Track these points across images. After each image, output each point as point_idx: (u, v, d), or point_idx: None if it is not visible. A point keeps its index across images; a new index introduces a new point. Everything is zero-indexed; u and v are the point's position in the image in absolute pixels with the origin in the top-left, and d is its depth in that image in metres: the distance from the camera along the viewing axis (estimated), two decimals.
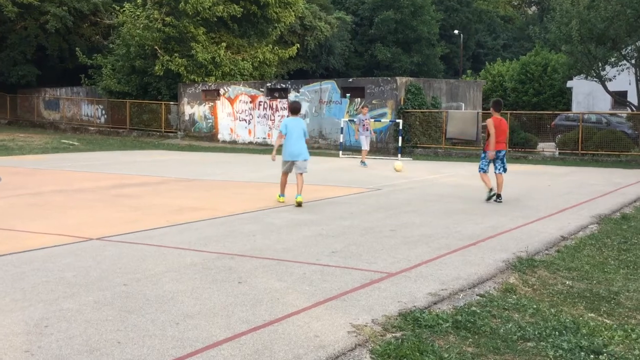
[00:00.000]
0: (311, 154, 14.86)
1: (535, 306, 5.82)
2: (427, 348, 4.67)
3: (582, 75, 28.07)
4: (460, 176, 17.91)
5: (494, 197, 12.15)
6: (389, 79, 28.85)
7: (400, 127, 25.99)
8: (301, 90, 30.51)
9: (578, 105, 39.85)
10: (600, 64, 26.49)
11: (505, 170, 12.47)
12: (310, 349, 4.56)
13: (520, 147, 25.66)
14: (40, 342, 4.62)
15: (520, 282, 6.65)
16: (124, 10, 35.94)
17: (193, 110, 34.53)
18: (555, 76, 42.51)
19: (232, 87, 32.98)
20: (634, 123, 27.58)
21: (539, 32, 32.65)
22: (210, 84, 34.14)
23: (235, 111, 32.80)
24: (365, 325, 5.07)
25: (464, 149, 27.12)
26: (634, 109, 27.12)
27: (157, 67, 34.52)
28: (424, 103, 28.01)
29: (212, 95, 33.82)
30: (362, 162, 21.03)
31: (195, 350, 4.50)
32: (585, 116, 29.37)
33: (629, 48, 26.38)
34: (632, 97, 28.95)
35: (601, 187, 15.15)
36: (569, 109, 40.76)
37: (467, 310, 5.57)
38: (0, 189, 13.61)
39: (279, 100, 31.25)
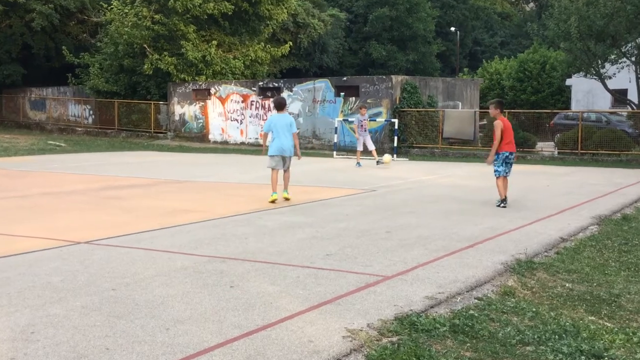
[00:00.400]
0: (305, 154, 14.96)
1: (534, 309, 5.83)
2: (424, 353, 4.67)
3: (581, 73, 28.16)
4: (458, 177, 17.94)
5: (502, 204, 11.78)
6: (384, 77, 28.88)
7: (396, 127, 26.00)
8: (294, 89, 30.51)
9: (577, 104, 39.96)
10: (599, 62, 26.56)
11: (509, 174, 12.12)
12: (304, 355, 4.56)
13: (519, 146, 25.64)
14: (26, 349, 4.61)
15: (519, 285, 6.66)
16: (112, 8, 35.87)
17: (183, 110, 34.48)
18: (554, 74, 42.63)
19: (224, 87, 32.95)
20: (634, 122, 27.66)
21: (537, 29, 32.73)
22: (200, 83, 34.10)
23: (226, 111, 32.77)
24: (361, 330, 5.07)
25: (461, 149, 27.16)
26: (635, 107, 27.21)
27: (146, 66, 34.46)
28: (420, 102, 28.04)
29: (203, 94, 33.78)
30: (358, 163, 21.04)
31: (186, 357, 4.49)
32: (585, 115, 29.46)
33: (629, 45, 26.46)
34: (632, 95, 29.05)
35: (601, 187, 15.19)
36: (568, 107, 40.87)
37: (464, 314, 5.57)
38: None
39: (271, 99, 31.21)
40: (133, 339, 4.80)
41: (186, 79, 34.61)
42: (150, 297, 5.86)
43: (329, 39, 56.40)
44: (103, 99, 37.70)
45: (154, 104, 35.65)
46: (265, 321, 5.21)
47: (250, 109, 31.89)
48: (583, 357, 4.74)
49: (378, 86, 28.06)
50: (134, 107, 36.59)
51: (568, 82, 40.51)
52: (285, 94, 30.58)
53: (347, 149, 27.39)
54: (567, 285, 6.77)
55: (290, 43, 41.52)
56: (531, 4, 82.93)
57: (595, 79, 27.46)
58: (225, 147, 31.16)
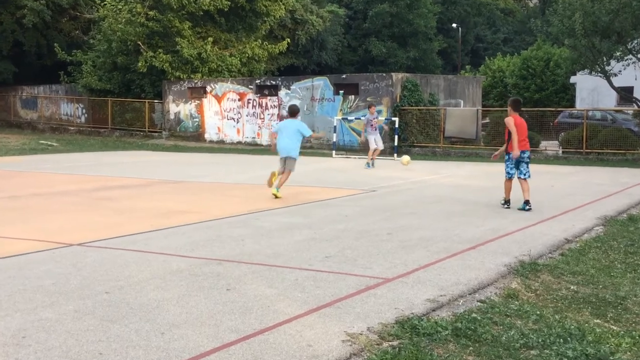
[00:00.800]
0: (303, 153, 14.97)
1: (538, 312, 5.83)
2: (425, 357, 4.67)
3: (586, 70, 28.17)
4: (460, 177, 17.94)
5: (505, 205, 11.66)
6: (384, 75, 28.89)
7: (397, 126, 26.01)
8: (292, 87, 30.52)
9: (582, 102, 40.01)
10: (605, 59, 26.59)
11: (529, 175, 11.86)
12: (302, 359, 4.56)
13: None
14: (17, 354, 4.60)
15: (523, 287, 6.66)
16: (105, 4, 35.85)
17: (178, 108, 34.47)
18: (558, 71, 42.67)
19: (220, 84, 32.94)
20: None
21: (540, 25, 32.78)
22: (196, 81, 34.10)
23: (222, 109, 32.76)
24: (361, 334, 5.06)
25: (463, 148, 27.17)
26: None
27: (140, 64, 34.44)
28: (421, 100, 28.05)
29: (199, 92, 33.78)
30: (367, 164, 20.75)
31: None
32: (590, 113, 29.48)
33: (635, 42, 26.50)
34: (638, 93, 29.09)
35: (607, 187, 15.20)
36: (572, 105, 40.93)
37: (467, 317, 5.57)
38: None
39: (268, 97, 31.24)
40: (127, 344, 4.79)
41: (181, 77, 34.60)
42: (145, 301, 5.85)
43: (328, 36, 56.41)
44: (96, 97, 37.68)
45: (148, 102, 35.64)
46: (263, 325, 5.21)
47: (247, 107, 31.88)
48: None
49: (378, 84, 28.07)
50: (128, 106, 36.57)
51: (572, 79, 40.54)
52: (282, 92, 30.60)
53: (347, 149, 27.39)
54: (572, 287, 6.77)
55: (288, 40, 41.53)
56: (535, 0, 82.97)
57: (600, 76, 27.49)
58: (221, 147, 31.15)
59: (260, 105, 31.46)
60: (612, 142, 24.62)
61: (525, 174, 11.74)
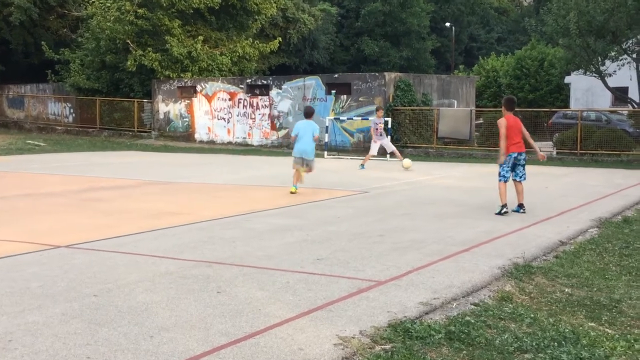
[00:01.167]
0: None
1: (532, 315, 5.84)
2: None
3: (580, 70, 28.29)
4: (453, 178, 17.97)
5: (503, 210, 11.34)
6: (377, 74, 28.92)
7: (389, 126, 25.99)
8: (283, 86, 30.51)
9: (576, 102, 40.15)
10: (599, 59, 26.69)
11: (525, 177, 11.68)
12: None
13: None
14: (4, 357, 4.58)
15: (517, 290, 6.68)
16: (94, 2, 35.79)
17: (168, 108, 34.41)
18: (552, 71, 42.81)
19: (210, 84, 32.91)
20: (635, 121, 27.81)
21: (535, 24, 32.87)
22: (186, 80, 34.05)
23: (213, 109, 32.73)
24: (353, 337, 5.06)
25: (456, 148, 27.22)
26: (635, 106, 27.36)
27: (129, 62, 34.37)
28: (414, 100, 28.09)
29: (189, 92, 33.73)
30: (362, 165, 20.68)
31: None
32: (584, 114, 29.60)
33: (630, 41, 26.62)
34: (633, 94, 29.21)
35: (601, 189, 15.25)
36: (566, 106, 41.07)
37: (460, 320, 5.58)
38: None
39: (259, 97, 31.22)
40: (115, 347, 4.78)
41: (171, 76, 34.55)
42: (134, 304, 5.84)
43: (320, 35, 56.45)
44: (84, 96, 37.58)
45: (137, 101, 35.57)
46: (254, 328, 5.20)
47: (238, 107, 31.86)
48: None
49: (370, 84, 28.10)
50: (117, 105, 36.49)
51: (567, 79, 40.69)
52: (274, 92, 30.60)
53: (339, 149, 27.41)
54: (566, 290, 6.79)
55: (280, 39, 41.55)
56: None
57: (595, 76, 27.60)
58: (212, 147, 31.11)
59: (251, 105, 31.44)
60: (606, 143, 24.72)
61: (521, 177, 11.59)
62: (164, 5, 33.98)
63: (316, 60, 56.72)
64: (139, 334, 5.05)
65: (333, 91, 28.94)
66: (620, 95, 30.17)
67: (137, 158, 24.63)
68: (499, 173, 11.52)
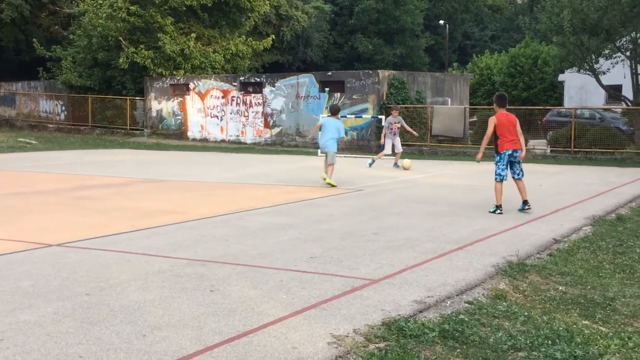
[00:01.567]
0: (288, 152, 15.07)
1: (526, 313, 5.85)
2: (412, 359, 4.68)
3: (574, 68, 28.32)
4: (447, 176, 18.00)
5: (497, 211, 11.26)
6: (371, 72, 28.93)
7: (383, 124, 26.00)
8: (277, 84, 30.49)
9: (570, 100, 40.23)
10: (593, 56, 26.73)
11: (523, 174, 11.53)
12: None
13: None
14: None
15: (511, 288, 6.69)
16: None
17: (161, 105, 34.35)
18: (546, 69, 42.91)
19: (203, 81, 32.86)
20: (629, 119, 27.87)
21: (528, 22, 32.88)
22: (179, 78, 33.99)
23: (206, 107, 32.68)
24: (347, 336, 5.06)
25: (450, 146, 27.25)
26: (629, 104, 27.44)
27: (121, 60, 34.30)
28: (408, 98, 28.11)
29: (181, 89, 33.67)
30: (370, 163, 20.49)
31: None
32: (578, 112, 29.65)
33: (624, 39, 26.65)
34: (627, 91, 29.25)
35: (595, 187, 15.29)
36: (560, 103, 41.15)
37: (454, 318, 5.59)
38: None
39: (253, 95, 31.19)
40: (108, 347, 4.77)
41: (163, 74, 34.49)
42: (126, 302, 5.82)
43: (313, 32, 56.43)
44: (76, 94, 37.48)
45: (129, 99, 35.49)
46: (247, 327, 5.20)
47: (231, 105, 31.82)
48: None
49: (364, 81, 28.10)
50: (109, 103, 36.40)
51: (561, 77, 40.76)
52: (267, 90, 30.57)
53: None
54: (560, 288, 6.81)
55: (273, 36, 41.49)
56: None
57: (588, 74, 27.63)
58: (204, 145, 31.07)
59: (245, 103, 31.40)
60: (600, 141, 24.79)
61: (519, 174, 11.44)
62: (157, 2, 33.91)
63: (310, 58, 56.70)
64: (132, 333, 5.04)
65: (327, 89, 28.93)
66: (614, 93, 30.23)
67: (129, 156, 24.58)
68: (495, 171, 11.41)
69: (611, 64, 27.07)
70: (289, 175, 17.49)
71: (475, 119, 31.11)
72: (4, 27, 40.38)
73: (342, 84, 28.66)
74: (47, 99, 40.11)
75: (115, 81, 36.42)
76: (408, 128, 21.21)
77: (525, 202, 11.34)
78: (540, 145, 26.91)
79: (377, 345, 4.95)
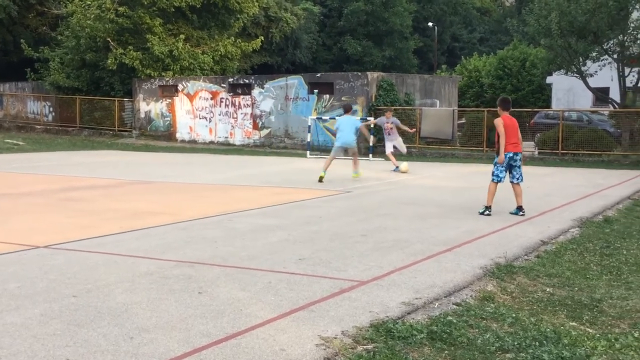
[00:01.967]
0: (277, 154, 15.10)
1: (514, 315, 5.87)
2: None
3: (562, 70, 28.46)
4: (435, 177, 18.03)
5: (487, 212, 11.21)
6: (360, 74, 28.96)
7: (372, 126, 26.05)
8: (266, 86, 30.47)
9: (558, 102, 40.39)
10: (581, 59, 26.87)
11: (522, 179, 11.47)
12: None
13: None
14: None
15: (499, 290, 6.71)
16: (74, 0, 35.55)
17: (149, 107, 34.26)
18: (534, 71, 43.05)
19: (192, 83, 32.80)
20: (616, 121, 28.02)
21: (517, 25, 33.01)
22: (167, 79, 33.91)
23: (194, 108, 32.62)
24: (335, 338, 5.06)
25: (439, 148, 27.32)
26: (616, 106, 27.59)
27: (109, 61, 34.18)
28: (397, 100, 28.16)
29: (170, 91, 33.60)
30: (396, 167, 20.35)
31: None
32: (566, 114, 29.81)
33: (611, 42, 26.80)
34: (614, 94, 29.43)
35: (582, 189, 15.37)
36: (548, 106, 41.32)
37: (442, 320, 5.59)
38: None
39: (242, 96, 31.15)
40: (95, 349, 4.74)
41: (152, 75, 34.40)
42: (113, 304, 5.80)
43: (302, 34, 56.44)
44: (64, 95, 37.33)
45: (118, 100, 35.38)
46: (235, 329, 5.18)
47: (220, 106, 31.78)
48: None
49: (353, 83, 28.13)
50: (97, 104, 36.28)
51: (549, 80, 40.92)
52: (256, 91, 30.54)
53: (321, 149, 27.39)
54: (547, 289, 6.83)
55: (262, 38, 41.47)
56: None
57: (576, 77, 27.77)
58: (193, 147, 31.01)
59: (233, 104, 31.37)
60: (587, 143, 24.91)
61: (518, 178, 11.36)
62: (145, 3, 33.82)
63: (299, 59, 56.70)
64: (119, 335, 5.02)
65: (315, 91, 28.94)
66: (601, 95, 30.38)
67: (117, 157, 24.49)
68: (493, 172, 11.31)
69: (598, 66, 27.22)
70: (278, 176, 17.48)
71: (463, 121, 31.20)
72: None
73: (331, 85, 28.68)
74: (35, 100, 39.91)
75: (104, 82, 36.30)
76: (402, 127, 21.02)
77: (519, 208, 11.26)
78: (528, 147, 27.00)
79: (365, 346, 4.95)
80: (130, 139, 34.05)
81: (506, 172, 11.31)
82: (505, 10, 79.44)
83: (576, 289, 6.92)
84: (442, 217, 10.90)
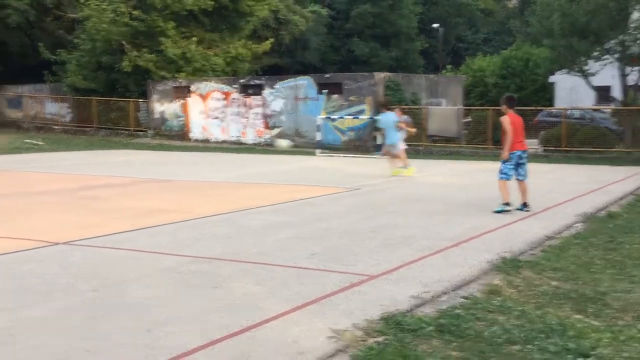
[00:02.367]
0: (287, 152, 15.08)
1: (520, 308, 5.86)
2: (410, 353, 4.67)
3: (564, 70, 28.34)
4: (442, 175, 17.99)
5: (506, 208, 10.98)
6: (367, 74, 28.91)
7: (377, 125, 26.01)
8: (276, 86, 30.45)
9: (561, 101, 40.19)
10: (582, 59, 26.74)
11: (527, 176, 11.34)
12: (289, 356, 4.55)
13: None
14: (4, 352, 4.56)
15: (505, 284, 6.69)
16: (89, 4, 35.58)
17: (163, 107, 34.31)
18: (537, 71, 42.86)
19: (204, 84, 32.82)
20: (618, 119, 27.88)
21: (520, 25, 32.98)
22: (180, 81, 33.94)
23: (207, 109, 32.64)
24: (346, 330, 5.06)
25: (445, 146, 27.25)
26: (618, 104, 27.45)
27: (124, 63, 34.24)
28: (403, 99, 28.09)
29: (183, 92, 33.62)
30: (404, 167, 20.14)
31: (168, 359, 4.47)
32: (569, 112, 29.66)
33: (612, 42, 26.66)
34: (616, 92, 29.30)
35: (586, 185, 15.29)
36: (551, 104, 41.11)
37: (450, 313, 5.59)
38: None
39: (252, 97, 31.15)
40: (114, 341, 4.76)
41: (166, 77, 34.43)
42: (132, 299, 5.82)
43: (311, 36, 56.34)
44: (81, 96, 37.41)
45: (133, 101, 35.44)
46: (250, 322, 5.20)
47: (232, 106, 31.78)
48: (570, 356, 4.77)
49: (361, 83, 28.08)
50: (113, 105, 36.34)
51: (552, 79, 40.77)
52: (267, 92, 30.55)
53: (330, 147, 27.38)
54: (553, 283, 6.81)
55: (272, 40, 41.42)
56: (514, 0, 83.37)
57: (578, 76, 27.66)
58: (206, 146, 31.03)
59: (245, 105, 31.37)
60: (590, 141, 24.78)
61: (524, 176, 11.27)
62: (158, 7, 33.84)
63: (307, 60, 56.62)
64: (137, 328, 5.04)
65: (324, 91, 28.90)
66: (603, 94, 30.24)
67: (133, 157, 24.55)
68: (501, 170, 11.16)
69: (600, 66, 27.09)
70: (288, 175, 17.47)
71: (469, 119, 31.10)
72: (10, 32, 40.23)
73: (340, 85, 28.63)
74: (53, 102, 40.02)
75: (119, 84, 36.36)
76: (403, 126, 20.84)
77: (525, 204, 11.17)
78: (532, 144, 26.87)
79: (375, 339, 4.96)
80: (145, 138, 34.11)
81: (514, 169, 11.20)
82: (508, 12, 79.05)
83: (581, 282, 6.89)
84: (449, 214, 10.88)
